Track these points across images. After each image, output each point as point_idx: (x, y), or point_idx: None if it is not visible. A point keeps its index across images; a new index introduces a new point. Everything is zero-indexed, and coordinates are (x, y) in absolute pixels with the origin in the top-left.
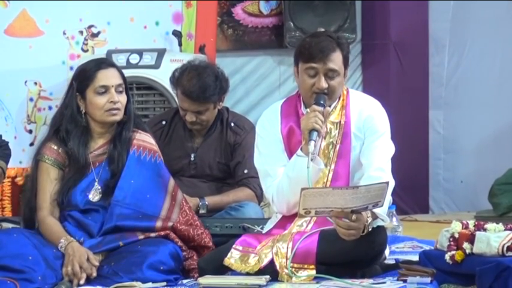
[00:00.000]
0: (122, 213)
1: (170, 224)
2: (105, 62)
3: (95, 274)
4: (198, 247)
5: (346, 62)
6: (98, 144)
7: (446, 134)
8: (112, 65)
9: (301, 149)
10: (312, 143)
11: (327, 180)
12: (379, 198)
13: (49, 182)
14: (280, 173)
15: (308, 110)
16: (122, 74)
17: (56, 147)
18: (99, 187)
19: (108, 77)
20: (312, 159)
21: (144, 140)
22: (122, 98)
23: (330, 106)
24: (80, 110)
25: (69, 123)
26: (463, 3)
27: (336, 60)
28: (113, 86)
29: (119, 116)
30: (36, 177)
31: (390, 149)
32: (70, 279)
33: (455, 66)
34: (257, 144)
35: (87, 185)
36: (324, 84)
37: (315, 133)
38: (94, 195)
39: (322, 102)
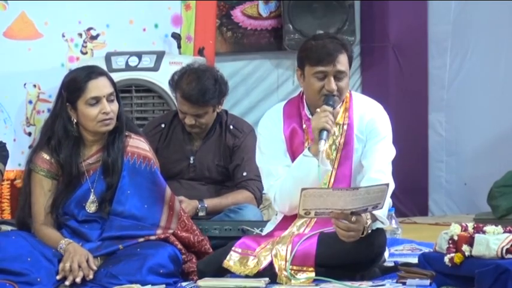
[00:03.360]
0: (122, 225)
1: (170, 231)
2: (94, 72)
3: (91, 276)
4: (198, 253)
5: (350, 63)
6: (91, 152)
7: (448, 137)
8: (102, 73)
9: (308, 149)
10: (323, 142)
11: (329, 182)
12: (378, 200)
13: (43, 195)
14: (283, 172)
15: (318, 110)
16: (112, 81)
17: (48, 158)
18: (95, 198)
19: (99, 87)
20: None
21: (137, 146)
22: (114, 107)
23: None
24: (71, 120)
25: (60, 133)
26: (464, 4)
27: (343, 61)
28: (104, 96)
29: (111, 126)
30: (30, 187)
31: (391, 152)
32: (65, 275)
33: (458, 69)
34: (259, 145)
35: (82, 195)
36: (334, 86)
37: (325, 132)
38: (90, 207)
39: (331, 103)
